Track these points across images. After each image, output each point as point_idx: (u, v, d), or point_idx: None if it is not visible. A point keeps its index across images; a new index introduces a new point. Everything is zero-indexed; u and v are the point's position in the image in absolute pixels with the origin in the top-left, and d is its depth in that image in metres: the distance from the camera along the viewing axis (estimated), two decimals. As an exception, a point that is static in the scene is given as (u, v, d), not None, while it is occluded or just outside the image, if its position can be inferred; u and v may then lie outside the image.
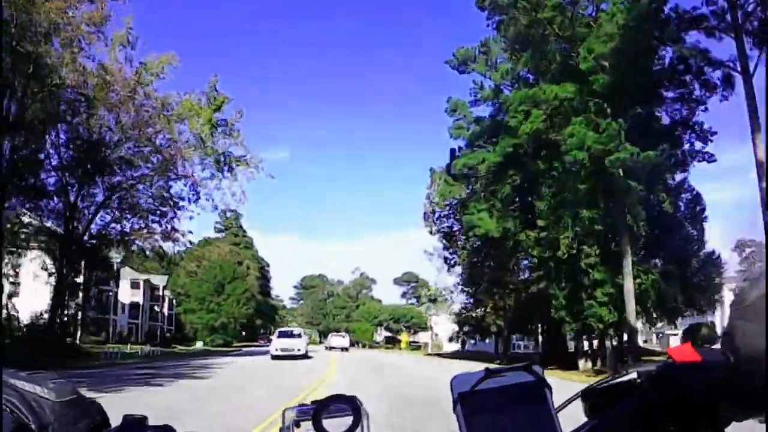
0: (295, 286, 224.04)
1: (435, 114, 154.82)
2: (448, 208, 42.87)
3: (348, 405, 1.03)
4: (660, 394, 0.93)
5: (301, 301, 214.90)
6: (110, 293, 57.97)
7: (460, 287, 45.97)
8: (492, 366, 1.10)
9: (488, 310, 45.08)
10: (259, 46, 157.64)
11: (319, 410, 1.00)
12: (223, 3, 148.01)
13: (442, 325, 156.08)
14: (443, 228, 43.90)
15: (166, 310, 79.05)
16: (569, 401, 1.07)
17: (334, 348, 53.73)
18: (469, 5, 28.12)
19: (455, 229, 42.89)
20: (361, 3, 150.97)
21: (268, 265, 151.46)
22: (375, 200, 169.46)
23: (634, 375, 1.01)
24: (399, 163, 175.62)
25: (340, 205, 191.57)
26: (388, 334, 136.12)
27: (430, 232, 44.34)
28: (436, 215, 43.78)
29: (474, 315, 48.67)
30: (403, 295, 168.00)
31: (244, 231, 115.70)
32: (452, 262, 44.74)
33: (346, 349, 52.28)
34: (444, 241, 44.44)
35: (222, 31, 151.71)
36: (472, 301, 46.80)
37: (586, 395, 1.05)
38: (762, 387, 0.81)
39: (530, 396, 1.05)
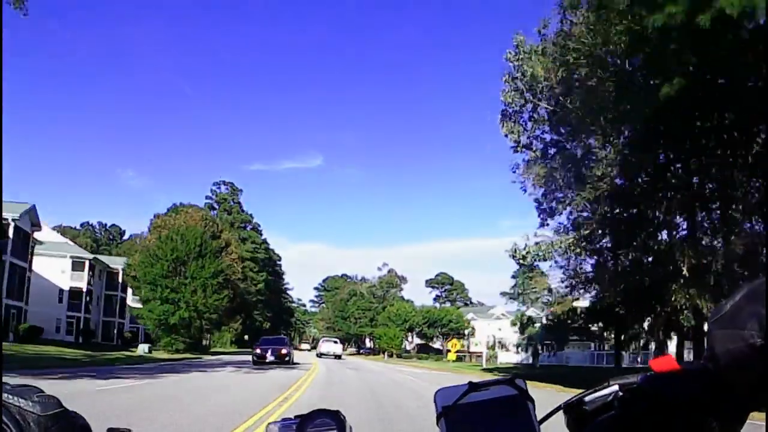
0: (316, 288, 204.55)
1: (467, 122, 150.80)
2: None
3: (332, 420, 1.04)
4: (641, 406, 0.93)
5: (323, 305, 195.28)
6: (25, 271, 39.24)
7: (570, 254, 24.93)
8: (475, 379, 1.12)
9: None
10: (293, 57, 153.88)
11: (302, 424, 1.01)
12: (251, 15, 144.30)
13: (483, 332, 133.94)
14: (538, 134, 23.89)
15: (130, 301, 59.88)
16: (551, 414, 1.08)
17: (325, 355, 47.45)
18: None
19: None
20: (393, 15, 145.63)
21: (279, 259, 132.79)
22: (408, 208, 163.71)
23: (615, 387, 1.02)
24: (432, 169, 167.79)
25: (373, 211, 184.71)
26: (421, 341, 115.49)
27: (516, 146, 24.08)
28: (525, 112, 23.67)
29: (580, 309, 28.02)
30: (436, 299, 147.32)
31: (242, 207, 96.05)
32: (554, 206, 24.35)
33: (339, 357, 47.16)
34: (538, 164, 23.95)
35: (255, 41, 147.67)
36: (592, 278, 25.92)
37: (568, 408, 1.07)
38: (743, 395, 0.84)
39: (513, 409, 1.06)
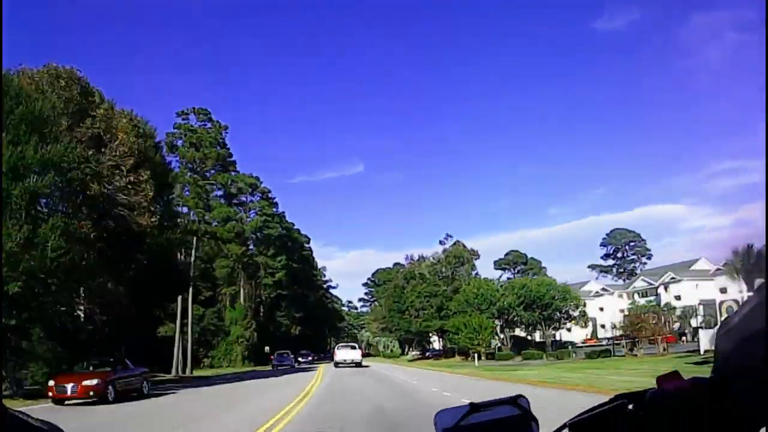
0: (365, 284, 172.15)
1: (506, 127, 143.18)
2: None
3: None
4: (649, 421, 0.93)
5: (374, 303, 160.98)
6: None
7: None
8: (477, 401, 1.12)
9: None
10: (331, 68, 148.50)
11: None
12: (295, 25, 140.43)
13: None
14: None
15: None
16: None
17: (341, 365, 41.16)
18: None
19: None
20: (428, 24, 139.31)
21: (308, 241, 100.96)
22: (451, 205, 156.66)
23: (622, 403, 1.01)
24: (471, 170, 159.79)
25: (418, 212, 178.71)
26: (511, 332, 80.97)
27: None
28: None
29: None
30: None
31: (225, 144, 62.72)
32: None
33: (359, 365, 41.31)
34: None
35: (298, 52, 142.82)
36: None
37: (574, 426, 1.05)
38: (752, 409, 0.83)
39: (516, 430, 1.08)
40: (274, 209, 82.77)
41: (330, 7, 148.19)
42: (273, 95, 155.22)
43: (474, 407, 1.10)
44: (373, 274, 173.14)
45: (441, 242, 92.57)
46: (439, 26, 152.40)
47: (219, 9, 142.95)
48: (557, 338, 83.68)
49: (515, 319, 73.92)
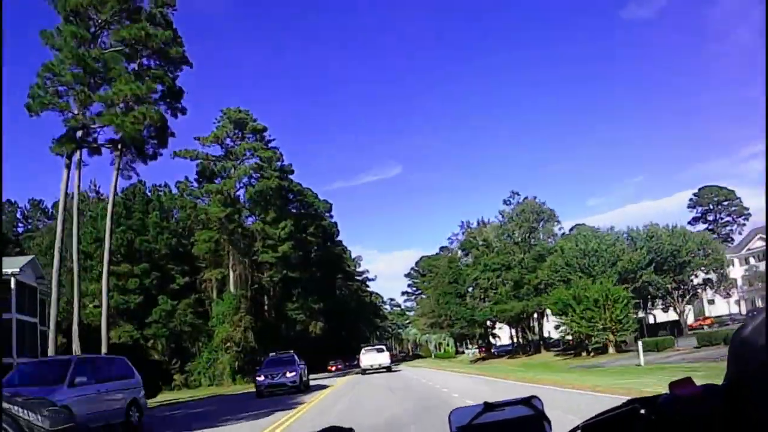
0: (407, 275, 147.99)
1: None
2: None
3: None
4: (661, 426, 0.94)
5: (420, 296, 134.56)
6: None
7: None
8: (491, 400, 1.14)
9: None
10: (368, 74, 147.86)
11: None
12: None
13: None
14: None
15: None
16: None
17: (369, 371, 36.99)
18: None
19: None
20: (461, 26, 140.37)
21: (329, 210, 76.20)
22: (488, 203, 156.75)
23: (635, 408, 1.02)
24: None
25: (455, 211, 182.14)
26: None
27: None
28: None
29: None
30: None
31: None
32: None
33: (389, 369, 37.67)
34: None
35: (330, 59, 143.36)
36: None
37: (587, 429, 1.06)
38: (764, 415, 0.83)
39: (529, 430, 1.09)
40: (279, 163, 58.35)
41: (356, 8, 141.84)
42: (307, 100, 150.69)
43: (488, 406, 1.10)
44: (417, 263, 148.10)
45: (506, 202, 66.51)
46: (470, 26, 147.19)
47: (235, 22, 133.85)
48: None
49: (644, 285, 47.49)
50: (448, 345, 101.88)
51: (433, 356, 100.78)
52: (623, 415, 1.00)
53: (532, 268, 57.12)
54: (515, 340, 72.42)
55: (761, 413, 0.82)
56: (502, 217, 64.32)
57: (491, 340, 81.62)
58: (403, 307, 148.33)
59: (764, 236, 74.42)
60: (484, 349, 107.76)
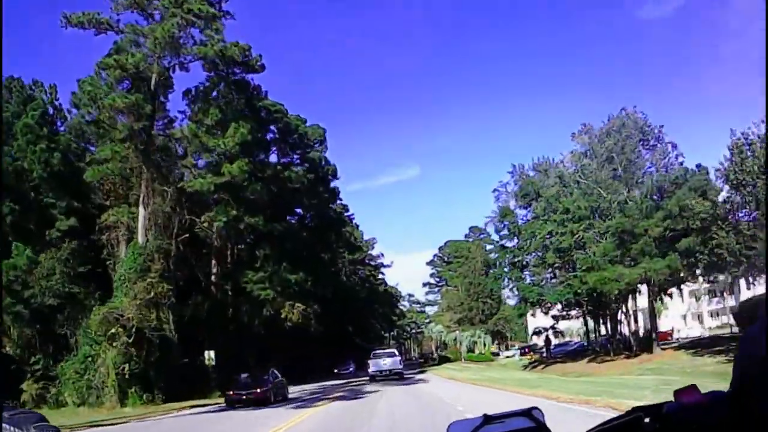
0: (429, 262, 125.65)
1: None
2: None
3: None
4: None
5: (445, 287, 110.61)
6: None
7: None
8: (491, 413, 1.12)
9: None
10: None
11: None
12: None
13: None
14: None
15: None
16: None
17: (378, 377, 33.15)
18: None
19: None
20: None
21: (322, 137, 53.24)
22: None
23: (639, 416, 1.01)
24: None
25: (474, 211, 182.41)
26: None
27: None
28: None
29: None
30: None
31: None
32: None
33: (400, 375, 33.62)
34: None
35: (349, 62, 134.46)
36: None
37: None
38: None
39: None
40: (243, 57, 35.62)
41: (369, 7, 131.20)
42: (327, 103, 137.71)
43: (488, 419, 1.08)
44: (440, 248, 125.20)
45: (573, 135, 42.51)
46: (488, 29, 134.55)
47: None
48: None
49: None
50: (484, 345, 79.13)
51: (462, 359, 78.19)
52: (627, 424, 0.97)
53: (648, 210, 34.03)
54: (595, 333, 49.21)
55: (766, 420, 0.80)
56: (585, 144, 41.09)
57: (551, 336, 58.74)
58: (424, 300, 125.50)
59: None
60: (528, 349, 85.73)
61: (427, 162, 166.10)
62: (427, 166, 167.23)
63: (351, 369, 48.93)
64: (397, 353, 39.59)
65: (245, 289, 36.56)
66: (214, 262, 37.26)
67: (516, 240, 44.43)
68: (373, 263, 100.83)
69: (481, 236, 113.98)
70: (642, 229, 33.64)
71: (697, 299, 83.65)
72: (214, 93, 35.16)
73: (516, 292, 43.65)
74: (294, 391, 29.72)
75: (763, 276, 34.23)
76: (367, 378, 34.10)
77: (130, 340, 26.24)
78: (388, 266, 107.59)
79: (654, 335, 38.80)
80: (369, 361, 35.96)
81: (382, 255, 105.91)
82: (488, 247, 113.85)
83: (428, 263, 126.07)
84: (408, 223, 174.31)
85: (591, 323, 49.35)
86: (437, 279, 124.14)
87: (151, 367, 27.61)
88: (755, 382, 0.83)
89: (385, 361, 35.01)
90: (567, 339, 75.76)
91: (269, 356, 40.68)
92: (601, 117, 43.68)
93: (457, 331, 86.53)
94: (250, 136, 32.88)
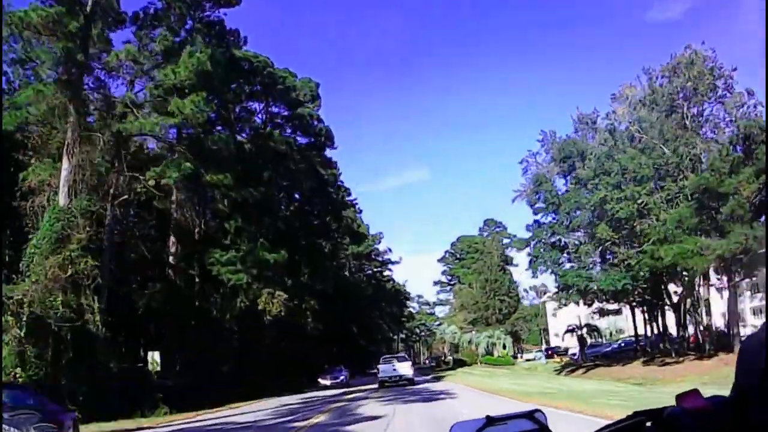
0: (440, 260, 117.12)
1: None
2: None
3: None
4: None
5: (458, 284, 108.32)
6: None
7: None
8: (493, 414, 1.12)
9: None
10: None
11: None
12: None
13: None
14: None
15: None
16: None
17: (388, 383, 31.43)
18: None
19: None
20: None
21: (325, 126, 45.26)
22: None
23: (640, 420, 1.01)
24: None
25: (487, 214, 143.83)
26: None
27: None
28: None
29: None
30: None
31: None
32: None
33: (411, 381, 31.80)
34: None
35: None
36: None
37: None
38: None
39: None
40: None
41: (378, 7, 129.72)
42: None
43: (490, 420, 1.08)
44: (452, 244, 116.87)
45: (631, 85, 34.08)
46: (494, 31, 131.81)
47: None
48: None
49: None
50: (504, 347, 70.42)
51: (479, 362, 69.70)
52: (628, 428, 0.97)
53: (735, 165, 25.64)
54: (645, 330, 40.61)
55: (764, 428, 0.80)
56: (639, 97, 32.65)
57: (584, 336, 50.09)
58: (435, 300, 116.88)
59: None
60: (551, 351, 77.30)
61: (436, 163, 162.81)
62: (436, 168, 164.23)
63: (342, 378, 40.10)
64: (407, 358, 38.01)
65: (212, 273, 28.38)
66: (173, 239, 29.13)
67: (553, 216, 35.96)
68: (379, 259, 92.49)
69: (497, 229, 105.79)
70: (730, 188, 25.20)
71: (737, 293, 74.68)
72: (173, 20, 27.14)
73: (556, 279, 35.14)
74: (255, 409, 21.68)
75: None
76: (366, 391, 27.88)
77: (23, 334, 18.11)
78: (397, 263, 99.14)
79: (735, 330, 30.23)
80: (378, 366, 34.30)
81: (390, 250, 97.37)
82: (505, 241, 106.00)
83: (439, 260, 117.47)
84: (416, 225, 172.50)
85: (626, 320, 41.00)
86: (449, 277, 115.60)
87: (61, 372, 19.50)
88: (754, 392, 0.82)
89: (396, 366, 32.99)
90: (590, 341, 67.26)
91: (245, 359, 32.62)
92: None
93: (473, 332, 77.99)
94: (214, 70, 24.71)
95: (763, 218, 25.72)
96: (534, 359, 76.58)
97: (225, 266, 27.98)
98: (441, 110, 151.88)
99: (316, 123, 36.99)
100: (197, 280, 30.01)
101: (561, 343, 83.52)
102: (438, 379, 37.56)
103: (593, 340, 70.43)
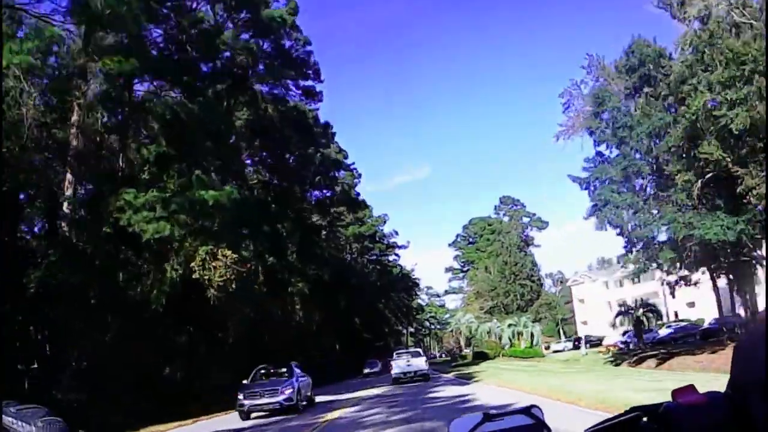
0: (451, 244, 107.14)
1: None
2: None
3: None
4: None
5: (474, 269, 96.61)
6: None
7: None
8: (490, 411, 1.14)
9: None
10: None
11: None
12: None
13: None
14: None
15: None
16: None
17: (402, 379, 30.10)
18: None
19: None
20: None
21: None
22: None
23: (636, 416, 1.01)
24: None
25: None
26: None
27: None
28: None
29: None
30: None
31: None
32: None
33: (426, 377, 30.13)
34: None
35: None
36: None
37: None
38: (764, 425, 0.84)
39: None
40: None
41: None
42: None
43: (487, 416, 1.09)
44: (464, 227, 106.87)
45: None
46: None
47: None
48: None
49: None
50: (532, 337, 59.97)
51: (502, 354, 59.79)
52: (624, 424, 0.97)
53: None
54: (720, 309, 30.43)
55: (763, 420, 0.81)
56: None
57: (642, 318, 39.83)
58: (447, 287, 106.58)
59: None
60: (578, 341, 68.01)
61: (439, 161, 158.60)
62: (439, 166, 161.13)
63: (283, 399, 21.68)
64: (422, 352, 36.75)
65: (121, 224, 18.51)
66: (69, 175, 19.30)
67: (619, 150, 25.73)
68: (385, 242, 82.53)
69: (515, 207, 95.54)
70: None
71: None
72: None
73: (626, 233, 24.90)
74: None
75: None
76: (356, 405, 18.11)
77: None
78: (404, 247, 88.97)
79: None
80: (391, 362, 33.60)
81: (396, 233, 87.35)
82: (524, 219, 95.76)
83: (450, 245, 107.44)
84: (422, 220, 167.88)
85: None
86: (462, 263, 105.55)
87: None
88: (750, 388, 0.83)
89: (410, 361, 31.93)
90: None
91: (198, 360, 22.89)
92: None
93: (494, 321, 67.86)
94: None
95: None
96: (563, 350, 66.49)
97: (139, 212, 18.08)
98: (436, 102, 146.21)
99: (290, 31, 26.95)
100: (102, 236, 20.02)
101: (587, 332, 73.95)
102: (464, 378, 27.53)
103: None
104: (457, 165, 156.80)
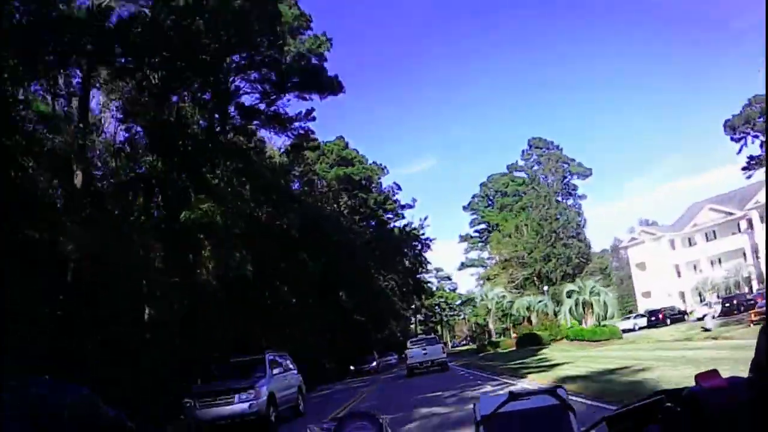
0: (466, 207, 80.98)
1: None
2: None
3: (369, 422, 1.06)
4: (686, 418, 0.94)
5: (498, 233, 76.53)
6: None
7: None
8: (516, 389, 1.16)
9: None
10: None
11: (340, 426, 1.06)
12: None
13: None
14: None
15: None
16: (593, 426, 1.10)
17: (418, 369, 29.89)
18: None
19: None
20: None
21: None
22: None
23: (660, 399, 1.02)
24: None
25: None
26: None
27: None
28: None
29: None
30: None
31: None
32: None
33: (443, 367, 29.87)
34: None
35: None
36: None
37: (611, 420, 1.06)
38: None
39: (553, 420, 1.10)
40: None
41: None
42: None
43: (512, 396, 1.11)
44: (482, 186, 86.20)
45: None
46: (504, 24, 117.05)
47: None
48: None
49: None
50: (605, 309, 39.20)
51: (564, 338, 39.93)
52: (649, 407, 0.98)
53: None
54: None
55: None
56: None
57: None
58: (465, 260, 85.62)
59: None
60: (660, 316, 48.98)
61: (444, 153, 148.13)
62: (444, 158, 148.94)
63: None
64: (437, 340, 35.30)
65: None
66: None
67: None
68: (382, 193, 62.04)
69: (548, 150, 74.77)
70: None
71: None
72: None
73: None
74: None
75: None
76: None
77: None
78: (410, 206, 68.64)
79: None
80: (406, 352, 32.26)
81: (398, 187, 66.92)
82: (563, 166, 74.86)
83: (465, 208, 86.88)
84: (433, 208, 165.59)
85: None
86: (479, 231, 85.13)
87: None
88: None
89: (426, 349, 30.32)
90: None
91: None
92: None
93: (545, 294, 47.65)
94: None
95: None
96: (634, 328, 46.79)
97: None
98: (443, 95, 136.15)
99: None
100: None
101: (648, 305, 55.44)
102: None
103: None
104: (463, 158, 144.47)
